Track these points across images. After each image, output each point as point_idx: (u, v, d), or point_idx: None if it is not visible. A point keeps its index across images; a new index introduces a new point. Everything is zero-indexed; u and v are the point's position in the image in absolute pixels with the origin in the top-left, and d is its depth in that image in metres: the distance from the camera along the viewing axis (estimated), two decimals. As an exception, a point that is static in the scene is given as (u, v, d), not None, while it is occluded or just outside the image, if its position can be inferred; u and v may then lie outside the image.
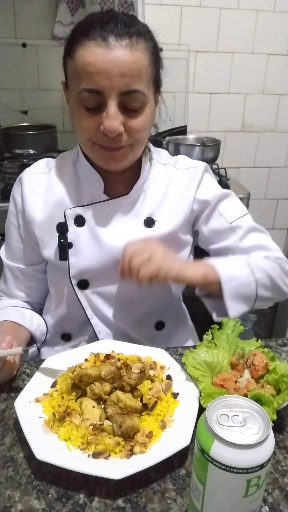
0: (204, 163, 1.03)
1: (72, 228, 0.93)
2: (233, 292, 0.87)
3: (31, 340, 0.97)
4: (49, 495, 0.57)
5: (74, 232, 0.93)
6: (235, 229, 0.98)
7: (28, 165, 1.74)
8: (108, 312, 0.97)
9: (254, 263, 0.92)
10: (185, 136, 1.97)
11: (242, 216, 0.99)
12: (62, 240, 0.92)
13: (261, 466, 0.45)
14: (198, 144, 1.86)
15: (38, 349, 1.03)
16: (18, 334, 0.89)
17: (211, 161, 1.88)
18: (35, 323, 0.97)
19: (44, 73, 1.93)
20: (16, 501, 0.56)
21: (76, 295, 0.95)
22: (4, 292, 1.04)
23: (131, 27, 0.79)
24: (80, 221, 0.93)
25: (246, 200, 1.79)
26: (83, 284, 0.95)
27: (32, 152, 1.75)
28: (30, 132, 1.79)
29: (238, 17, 1.99)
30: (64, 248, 0.92)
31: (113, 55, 0.77)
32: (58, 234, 0.92)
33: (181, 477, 0.60)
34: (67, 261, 0.92)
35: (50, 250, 0.95)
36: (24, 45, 1.86)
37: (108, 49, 0.77)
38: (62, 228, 0.92)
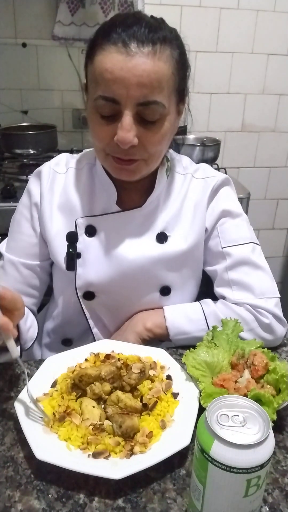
0: (225, 176, 0.97)
1: (82, 238, 0.90)
2: (182, 342, 0.89)
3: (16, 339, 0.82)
4: (49, 495, 0.57)
5: (84, 242, 0.90)
6: (225, 256, 0.92)
7: (28, 165, 1.72)
8: (111, 323, 0.97)
9: (218, 314, 0.87)
10: (185, 136, 1.97)
11: (238, 245, 0.92)
12: (71, 250, 0.89)
13: (261, 466, 0.45)
14: (198, 144, 1.86)
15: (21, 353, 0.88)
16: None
17: (211, 161, 1.89)
18: (28, 323, 0.90)
19: (44, 73, 1.93)
20: (16, 501, 0.56)
21: (81, 304, 0.94)
22: None
23: (156, 33, 0.74)
24: (91, 231, 0.90)
25: (246, 200, 1.80)
26: (89, 295, 0.93)
27: (32, 152, 1.75)
28: (30, 132, 1.79)
29: (238, 17, 1.99)
30: (72, 258, 0.90)
31: (133, 63, 0.72)
32: (67, 243, 0.90)
33: (181, 477, 0.60)
34: (75, 271, 0.90)
35: (58, 255, 0.92)
36: (24, 45, 1.86)
37: (128, 56, 0.72)
38: (72, 238, 0.90)
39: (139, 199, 0.91)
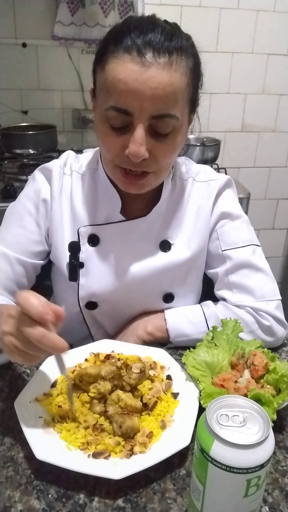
0: (227, 177, 0.96)
1: (84, 247, 0.88)
2: (182, 344, 0.88)
3: None
4: (49, 495, 0.57)
5: (86, 252, 0.88)
6: (225, 260, 0.91)
7: (28, 165, 1.71)
8: (113, 330, 0.97)
9: (219, 316, 0.86)
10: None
11: (238, 247, 0.91)
12: (73, 261, 0.87)
13: (261, 466, 0.45)
14: (198, 144, 1.86)
15: None
16: None
17: (211, 161, 1.89)
18: None
19: (44, 73, 1.93)
20: (16, 501, 0.56)
21: (83, 314, 0.93)
22: None
23: (172, 41, 0.71)
24: (93, 240, 0.88)
25: (246, 200, 1.80)
26: (91, 305, 0.92)
27: (32, 152, 1.75)
28: (30, 132, 1.79)
29: (238, 17, 1.99)
30: (74, 268, 0.88)
31: (148, 74, 0.68)
32: (69, 253, 0.88)
33: (181, 477, 0.60)
34: (77, 281, 0.89)
35: (63, 262, 0.90)
36: (24, 45, 1.86)
37: (143, 66, 0.68)
38: (74, 248, 0.88)
39: (143, 207, 0.90)
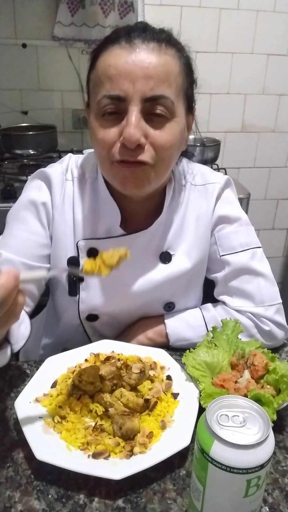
0: (225, 177, 0.92)
1: (84, 260, 0.85)
2: (182, 347, 0.86)
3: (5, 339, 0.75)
4: (49, 496, 0.57)
5: None
6: (224, 265, 0.89)
7: (28, 165, 1.70)
8: (113, 337, 0.95)
9: (218, 320, 0.85)
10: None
11: (237, 252, 0.88)
12: (72, 276, 0.85)
13: (261, 466, 0.45)
14: (198, 144, 1.86)
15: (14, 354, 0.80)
16: None
17: (211, 161, 1.89)
18: (23, 325, 0.80)
19: (44, 74, 1.93)
20: (16, 502, 0.56)
21: (83, 325, 0.93)
22: None
23: (162, 34, 0.72)
24: (93, 254, 0.84)
25: (246, 200, 1.80)
26: (92, 317, 0.91)
27: (32, 152, 1.75)
28: (30, 133, 1.79)
29: (238, 17, 1.99)
30: (74, 283, 0.86)
31: (138, 56, 0.69)
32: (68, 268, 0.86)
33: (181, 477, 0.60)
34: (77, 296, 0.88)
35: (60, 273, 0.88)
36: (24, 45, 1.86)
37: (132, 50, 0.69)
38: (73, 263, 0.86)
39: (144, 220, 0.87)
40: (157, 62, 0.70)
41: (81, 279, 0.87)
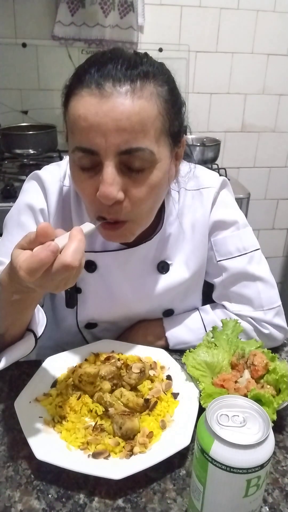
0: (221, 179, 0.89)
1: (81, 273, 0.85)
2: (181, 349, 0.85)
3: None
4: (49, 495, 0.57)
5: (83, 278, 0.85)
6: (221, 271, 0.88)
7: (28, 165, 1.69)
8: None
9: (217, 323, 0.85)
10: (185, 136, 1.97)
11: (233, 257, 0.87)
12: (69, 289, 0.85)
13: (261, 466, 0.45)
14: (198, 144, 1.86)
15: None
16: None
17: (211, 161, 1.89)
18: (41, 313, 0.81)
19: (44, 73, 1.93)
20: (16, 501, 0.56)
21: (82, 333, 0.93)
22: None
23: (136, 68, 0.63)
24: (91, 267, 0.84)
25: (246, 200, 1.80)
26: (91, 325, 0.92)
27: (32, 152, 1.75)
28: (30, 132, 1.79)
29: (238, 17, 1.99)
30: (71, 296, 0.86)
31: (108, 105, 0.61)
32: None
33: (181, 477, 0.60)
34: (75, 307, 0.88)
35: None
36: (24, 45, 1.86)
37: (102, 98, 0.62)
38: None
39: (142, 233, 0.81)
40: (130, 110, 0.62)
41: (79, 290, 0.87)
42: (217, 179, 0.89)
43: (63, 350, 0.91)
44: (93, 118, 0.62)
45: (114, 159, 0.64)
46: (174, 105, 0.69)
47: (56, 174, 0.85)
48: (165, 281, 0.87)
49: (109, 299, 0.87)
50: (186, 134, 0.76)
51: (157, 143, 0.66)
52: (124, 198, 0.67)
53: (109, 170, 0.64)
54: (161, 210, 0.84)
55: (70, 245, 0.54)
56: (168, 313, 0.92)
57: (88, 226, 0.64)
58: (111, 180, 0.64)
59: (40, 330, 0.77)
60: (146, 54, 0.70)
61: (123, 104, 0.62)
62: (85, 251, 0.75)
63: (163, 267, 0.87)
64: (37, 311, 0.78)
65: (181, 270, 0.87)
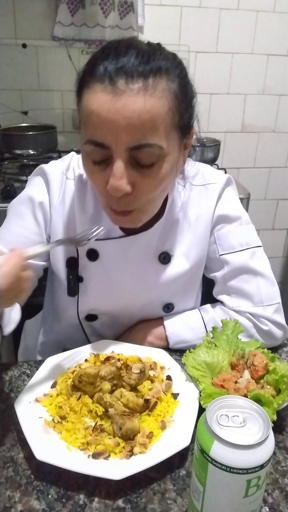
0: (226, 177, 0.91)
1: (83, 261, 0.86)
2: (182, 349, 0.86)
3: None
4: (49, 496, 0.57)
5: (85, 267, 0.86)
6: (223, 265, 0.88)
7: (28, 165, 1.69)
8: (112, 338, 0.95)
9: (217, 321, 0.85)
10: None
11: (236, 251, 0.88)
12: (71, 277, 0.86)
13: (261, 467, 0.45)
14: (198, 144, 1.86)
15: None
16: None
17: (211, 161, 1.89)
18: (14, 310, 0.81)
19: (44, 74, 1.93)
20: (16, 502, 0.56)
21: (82, 325, 0.93)
22: None
23: (149, 63, 0.65)
24: (93, 255, 0.86)
25: (246, 200, 1.80)
26: (91, 317, 0.92)
27: (32, 152, 1.75)
28: (30, 133, 1.78)
29: (238, 17, 1.99)
30: (73, 284, 0.87)
31: (121, 103, 0.63)
32: (67, 270, 0.86)
33: (181, 477, 0.60)
34: (77, 296, 0.88)
35: (59, 272, 0.88)
36: (24, 45, 1.86)
37: (115, 95, 0.63)
38: (72, 264, 0.86)
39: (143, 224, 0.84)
40: (142, 109, 0.64)
41: (80, 280, 0.87)
42: (222, 176, 0.91)
43: (63, 345, 0.93)
44: (106, 114, 0.64)
45: (124, 154, 0.67)
46: (184, 98, 0.72)
47: (59, 167, 0.88)
48: (165, 272, 0.88)
49: (110, 288, 0.88)
50: (192, 127, 0.78)
51: (166, 137, 0.69)
52: (133, 190, 0.70)
53: (119, 165, 0.67)
54: (164, 200, 0.85)
55: (1, 269, 0.58)
56: (168, 307, 0.92)
57: (37, 249, 0.67)
58: (120, 174, 0.67)
59: (9, 328, 0.79)
60: (159, 45, 0.71)
61: (135, 103, 0.64)
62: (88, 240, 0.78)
63: (164, 258, 0.87)
64: (9, 310, 0.80)
65: (181, 262, 0.88)
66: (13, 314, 0.80)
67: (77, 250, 0.86)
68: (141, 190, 0.70)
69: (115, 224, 0.80)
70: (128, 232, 0.85)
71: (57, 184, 0.86)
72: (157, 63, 0.66)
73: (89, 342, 0.95)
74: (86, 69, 0.69)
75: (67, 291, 0.88)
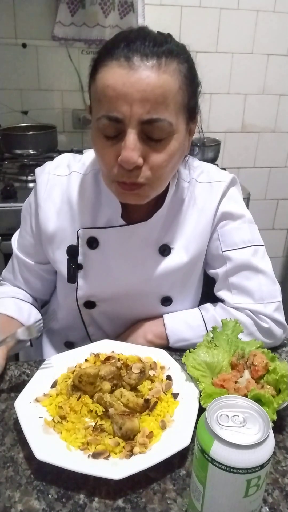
0: (231, 176, 0.93)
1: (83, 249, 0.88)
2: (182, 348, 0.87)
3: None
4: (49, 496, 0.57)
5: (85, 255, 0.88)
6: (226, 261, 0.89)
7: (28, 165, 1.71)
8: (111, 331, 0.97)
9: (217, 319, 0.86)
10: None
11: (239, 248, 0.89)
12: (71, 264, 0.88)
13: (261, 467, 0.45)
14: (198, 144, 1.86)
15: (31, 343, 0.95)
16: (8, 330, 0.82)
17: (211, 161, 1.88)
18: (32, 318, 0.92)
19: (44, 73, 1.93)
20: (16, 502, 0.56)
21: (80, 312, 0.94)
22: (9, 281, 1.00)
23: (162, 46, 0.70)
24: (93, 243, 0.88)
25: (246, 200, 1.80)
26: (90, 304, 0.93)
27: (32, 152, 1.75)
28: (30, 133, 1.79)
29: (238, 17, 1.99)
30: (73, 271, 0.89)
31: (136, 77, 0.67)
32: (67, 257, 0.88)
33: (181, 477, 0.60)
34: (76, 282, 0.90)
35: (60, 264, 0.91)
36: (24, 45, 1.86)
37: (130, 70, 0.67)
38: (72, 251, 0.88)
39: (145, 212, 0.87)
40: (155, 83, 0.68)
41: (80, 267, 0.89)
42: (228, 176, 0.93)
43: (66, 335, 0.98)
44: (121, 88, 0.68)
45: (136, 127, 0.70)
46: (192, 83, 0.77)
47: (47, 167, 0.92)
48: (164, 264, 0.89)
49: (108, 276, 0.89)
50: (198, 114, 0.83)
51: (176, 115, 0.73)
52: (143, 164, 0.73)
53: (131, 137, 0.70)
54: (164, 192, 0.86)
55: None
56: (166, 301, 0.93)
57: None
58: (132, 146, 0.70)
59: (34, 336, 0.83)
60: (169, 34, 0.76)
61: (149, 77, 0.68)
62: (88, 228, 0.87)
63: (164, 250, 0.89)
64: (28, 316, 0.93)
65: (181, 254, 0.89)
66: (32, 319, 0.92)
67: (77, 237, 0.88)
68: (152, 163, 0.73)
69: (121, 200, 0.82)
70: (129, 221, 0.87)
71: (42, 184, 0.90)
72: (169, 46, 0.71)
73: (87, 332, 0.96)
74: (100, 53, 0.73)
75: (67, 278, 0.90)
